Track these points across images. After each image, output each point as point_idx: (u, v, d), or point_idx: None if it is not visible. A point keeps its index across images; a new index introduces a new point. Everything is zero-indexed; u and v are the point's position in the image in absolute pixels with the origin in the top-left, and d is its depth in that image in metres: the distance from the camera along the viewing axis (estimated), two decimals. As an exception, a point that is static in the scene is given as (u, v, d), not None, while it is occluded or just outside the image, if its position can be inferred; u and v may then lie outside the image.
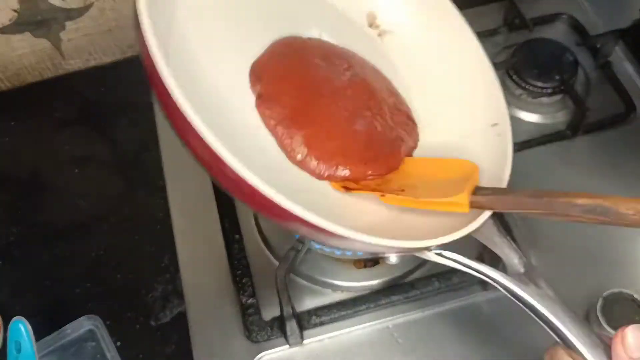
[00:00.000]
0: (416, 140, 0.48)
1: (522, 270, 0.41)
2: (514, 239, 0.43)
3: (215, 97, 0.42)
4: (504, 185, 0.42)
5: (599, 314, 0.52)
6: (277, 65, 0.46)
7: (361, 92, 0.47)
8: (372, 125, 0.46)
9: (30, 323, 0.51)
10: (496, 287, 0.40)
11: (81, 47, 0.74)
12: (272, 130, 0.44)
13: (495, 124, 0.45)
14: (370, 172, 0.45)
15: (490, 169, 0.44)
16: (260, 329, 0.56)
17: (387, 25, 0.52)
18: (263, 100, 0.44)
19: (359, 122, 0.46)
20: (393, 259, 0.48)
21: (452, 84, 0.49)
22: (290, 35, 0.48)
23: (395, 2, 0.51)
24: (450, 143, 0.48)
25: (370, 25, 0.52)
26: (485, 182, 0.43)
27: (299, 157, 0.43)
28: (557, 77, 0.65)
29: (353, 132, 0.45)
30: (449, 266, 0.41)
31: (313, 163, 0.44)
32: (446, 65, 0.49)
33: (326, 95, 0.46)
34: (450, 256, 0.41)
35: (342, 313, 0.56)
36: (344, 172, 0.44)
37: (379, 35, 0.52)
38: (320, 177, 0.44)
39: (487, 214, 0.41)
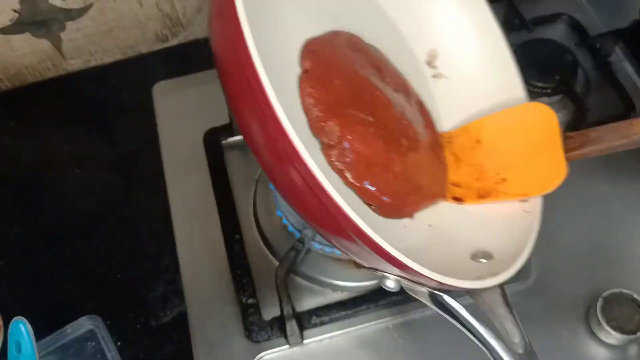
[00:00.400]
0: (443, 184, 0.45)
1: (520, 351, 0.39)
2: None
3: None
4: (517, 266, 0.40)
5: (598, 314, 0.52)
6: (333, 51, 0.43)
7: (402, 118, 0.44)
8: (405, 155, 0.43)
9: (31, 323, 0.51)
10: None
11: (81, 47, 0.74)
12: (308, 110, 0.40)
13: (525, 200, 0.42)
14: (379, 196, 0.42)
15: (507, 246, 0.42)
16: (261, 328, 0.56)
17: (445, 69, 0.50)
18: (309, 77, 0.41)
19: (394, 145, 0.42)
20: (392, 284, 0.42)
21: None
22: (352, 33, 0.45)
23: (460, 47, 0.49)
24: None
25: (428, 63, 0.50)
26: (500, 257, 0.41)
27: (327, 140, 0.40)
28: (557, 78, 0.65)
29: (386, 151, 0.42)
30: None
31: (337, 153, 0.41)
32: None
33: (371, 103, 0.43)
34: (450, 303, 0.39)
35: (342, 313, 0.56)
36: (367, 185, 0.41)
37: (434, 76, 0.50)
38: (334, 169, 0.41)
39: (498, 279, 0.38)
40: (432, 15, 0.50)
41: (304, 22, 0.44)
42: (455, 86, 0.49)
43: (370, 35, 0.47)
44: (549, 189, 0.41)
